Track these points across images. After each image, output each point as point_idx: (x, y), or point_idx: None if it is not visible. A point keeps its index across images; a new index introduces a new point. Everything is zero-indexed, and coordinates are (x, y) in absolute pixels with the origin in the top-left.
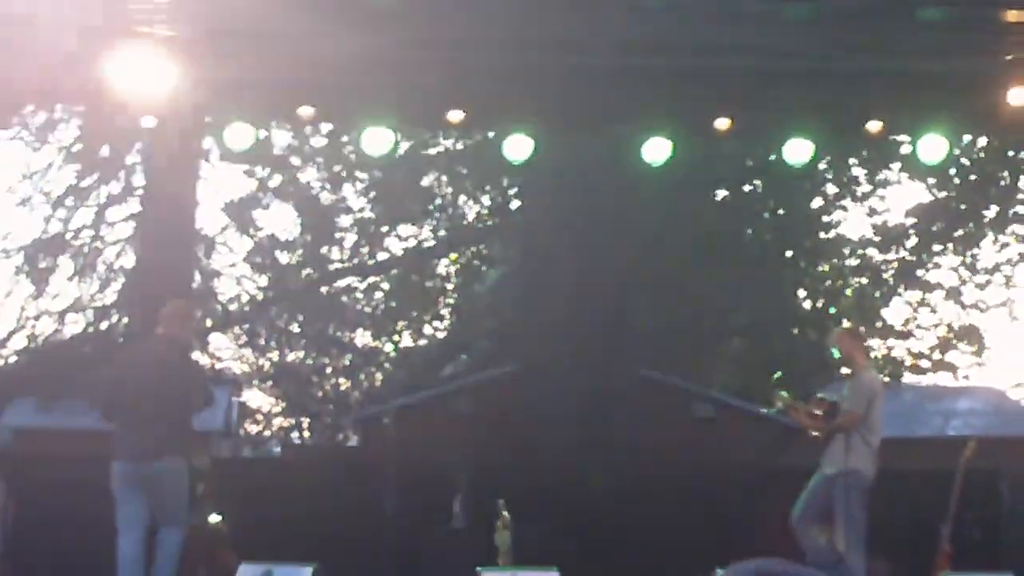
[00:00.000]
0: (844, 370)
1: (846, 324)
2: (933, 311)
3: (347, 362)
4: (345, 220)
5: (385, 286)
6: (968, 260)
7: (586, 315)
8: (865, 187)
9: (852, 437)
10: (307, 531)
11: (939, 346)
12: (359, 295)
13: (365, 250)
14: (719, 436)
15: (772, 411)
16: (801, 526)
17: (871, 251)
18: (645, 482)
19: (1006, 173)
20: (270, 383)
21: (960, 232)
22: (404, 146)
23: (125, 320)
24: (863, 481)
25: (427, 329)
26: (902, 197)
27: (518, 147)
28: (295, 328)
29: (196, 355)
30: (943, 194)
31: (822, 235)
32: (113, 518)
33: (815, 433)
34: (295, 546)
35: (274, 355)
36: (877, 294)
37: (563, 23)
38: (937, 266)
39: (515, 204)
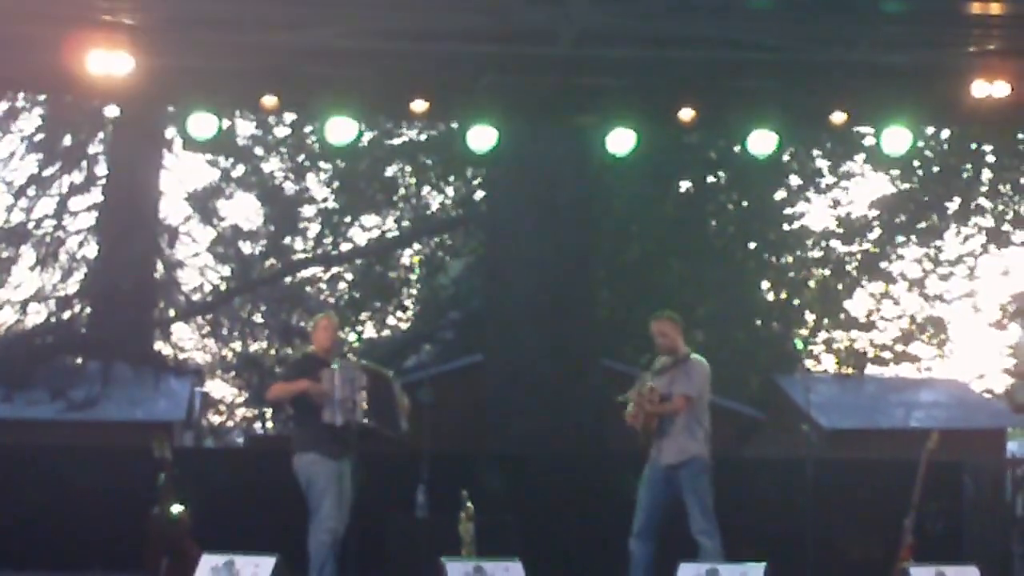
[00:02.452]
0: (664, 357)
1: (666, 312)
2: (896, 303)
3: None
4: (308, 210)
5: (348, 276)
6: (931, 252)
7: (549, 306)
8: (829, 179)
9: (691, 423)
10: (270, 521)
11: (902, 338)
12: (322, 285)
13: (328, 240)
14: None
15: (624, 398)
16: (649, 532)
17: (834, 243)
18: (608, 472)
19: (969, 165)
20: (233, 373)
21: (923, 224)
22: (368, 136)
23: (87, 310)
24: (707, 464)
25: (391, 320)
26: (865, 189)
27: (481, 138)
28: (258, 318)
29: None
30: (906, 186)
31: (786, 227)
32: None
33: (637, 423)
34: (258, 536)
35: (237, 345)
36: (840, 286)
37: (526, 14)
38: (900, 258)
39: (479, 195)
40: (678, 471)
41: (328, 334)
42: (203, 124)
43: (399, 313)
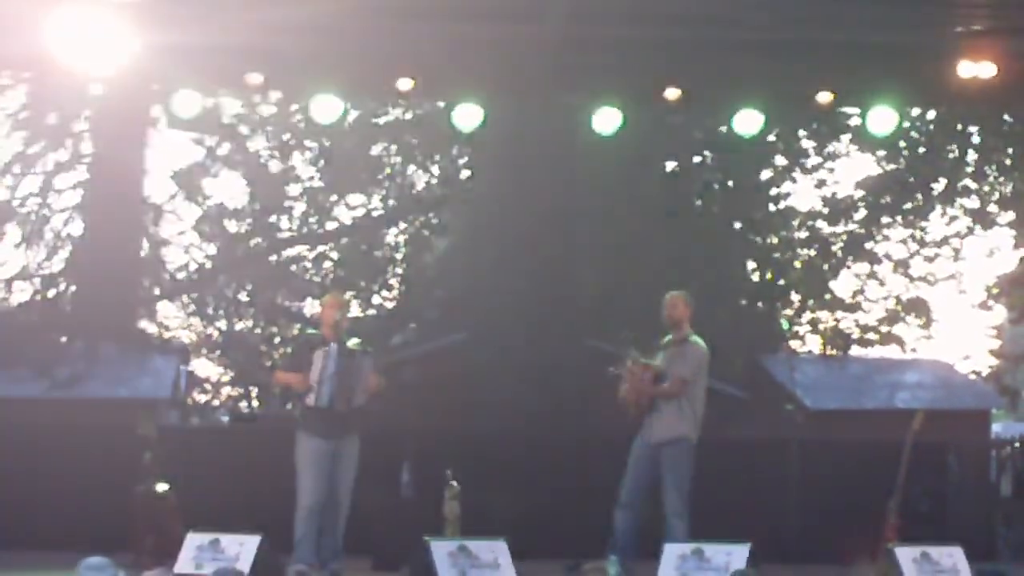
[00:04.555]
0: (668, 335)
1: (678, 291)
2: (881, 284)
3: (295, 331)
4: (294, 189)
5: (334, 255)
6: (916, 233)
7: (534, 285)
8: (814, 159)
9: (682, 404)
10: (255, 500)
11: (887, 318)
12: (308, 264)
13: (314, 219)
14: None
15: (613, 370)
16: (634, 504)
17: (820, 223)
18: (593, 452)
19: (955, 146)
20: (218, 352)
21: (909, 205)
22: (353, 115)
23: (72, 288)
24: (691, 447)
25: (376, 299)
26: (851, 169)
27: (467, 116)
28: (244, 297)
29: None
30: (892, 167)
31: (771, 207)
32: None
33: (631, 399)
34: (243, 515)
35: (222, 324)
36: (826, 266)
37: None
38: (886, 238)
39: (465, 174)
40: (662, 449)
41: (331, 312)
42: (188, 102)
43: (384, 292)
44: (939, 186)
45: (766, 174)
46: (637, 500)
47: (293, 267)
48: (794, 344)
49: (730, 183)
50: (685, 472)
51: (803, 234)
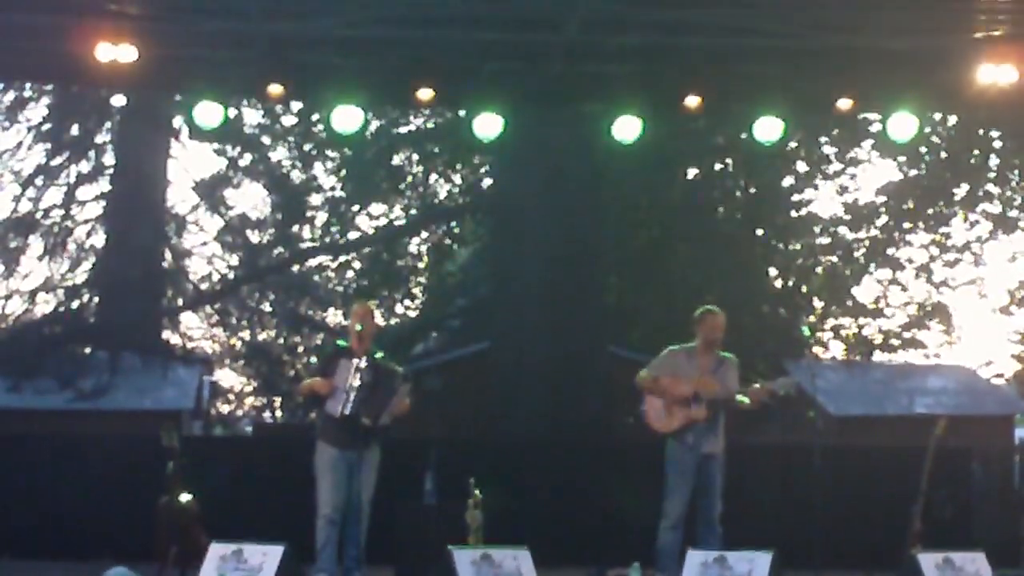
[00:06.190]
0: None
1: (716, 308)
2: (903, 289)
3: (318, 341)
4: (316, 199)
5: (356, 265)
6: (938, 238)
7: (557, 293)
8: (836, 165)
9: (722, 415)
10: (278, 509)
11: (909, 324)
12: (330, 274)
13: (336, 229)
14: None
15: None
16: (682, 521)
17: (842, 229)
18: (616, 459)
19: (976, 151)
20: (242, 362)
21: (930, 210)
22: (374, 124)
23: (96, 300)
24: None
25: (398, 308)
26: (872, 175)
27: (488, 125)
28: (266, 307)
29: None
30: (913, 172)
31: (793, 213)
32: (76, 496)
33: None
34: (266, 524)
35: (245, 334)
36: (848, 272)
37: (531, 0)
38: (907, 244)
39: (486, 182)
40: (713, 460)
41: (354, 320)
42: (210, 113)
43: (407, 301)
44: (961, 191)
45: (788, 180)
46: (684, 516)
47: (316, 277)
48: (817, 350)
49: (752, 190)
50: (723, 477)
51: (825, 240)
